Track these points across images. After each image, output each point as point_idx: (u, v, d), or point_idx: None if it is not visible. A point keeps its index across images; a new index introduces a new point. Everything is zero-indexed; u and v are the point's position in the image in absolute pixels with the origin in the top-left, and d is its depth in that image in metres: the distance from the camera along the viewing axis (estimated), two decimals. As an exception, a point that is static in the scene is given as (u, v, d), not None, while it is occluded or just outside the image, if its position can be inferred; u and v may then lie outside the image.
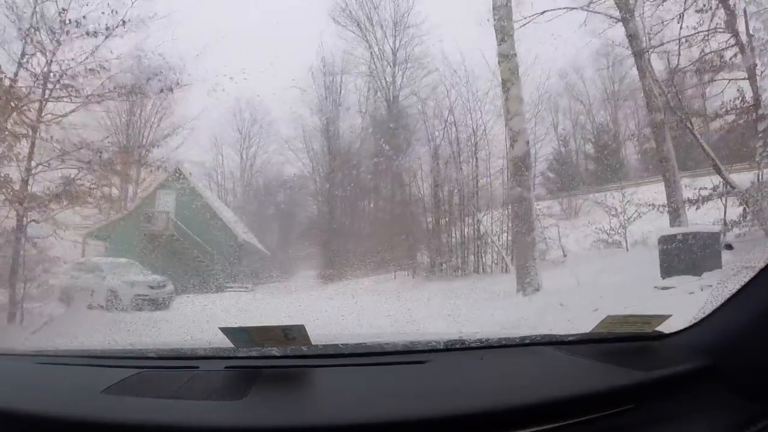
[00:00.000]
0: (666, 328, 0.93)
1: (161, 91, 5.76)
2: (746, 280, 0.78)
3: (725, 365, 0.75)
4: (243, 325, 0.89)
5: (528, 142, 6.43)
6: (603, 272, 5.53)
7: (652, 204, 6.70)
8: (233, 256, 12.43)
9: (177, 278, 9.47)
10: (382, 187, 14.52)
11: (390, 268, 11.25)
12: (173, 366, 0.98)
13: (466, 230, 10.06)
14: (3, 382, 0.94)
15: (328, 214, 15.29)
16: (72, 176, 5.26)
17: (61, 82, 5.15)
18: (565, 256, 8.14)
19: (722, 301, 0.81)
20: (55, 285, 5.47)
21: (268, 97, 15.76)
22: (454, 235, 10.07)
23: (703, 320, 0.85)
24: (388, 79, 14.93)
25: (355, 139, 15.82)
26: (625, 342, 0.93)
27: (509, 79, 6.14)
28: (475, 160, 10.55)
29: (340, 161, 15.23)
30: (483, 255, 9.66)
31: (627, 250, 7.33)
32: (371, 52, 15.00)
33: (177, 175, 12.67)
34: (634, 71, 7.54)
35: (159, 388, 0.82)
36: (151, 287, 7.45)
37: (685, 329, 0.89)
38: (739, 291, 0.79)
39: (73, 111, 5.39)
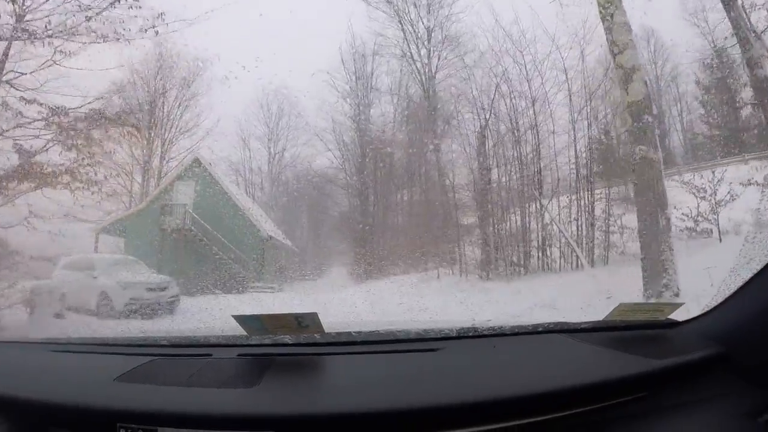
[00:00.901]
0: (678, 316, 1.01)
1: (143, 30, 5.22)
2: (759, 267, 0.86)
3: (737, 353, 0.84)
4: (255, 313, 0.98)
5: (646, 83, 5.52)
6: (720, 268, 4.91)
7: (755, 182, 6.15)
8: (257, 253, 12.62)
9: (194, 278, 9.86)
10: (421, 174, 14.75)
11: (431, 265, 11.16)
12: (186, 354, 1.09)
13: (527, 220, 9.58)
14: (17, 371, 1.06)
15: (362, 207, 15.79)
16: (33, 149, 4.79)
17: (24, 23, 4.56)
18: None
19: (735, 289, 0.90)
20: (18, 286, 5.01)
21: (296, 87, 16.79)
22: (511, 225, 9.72)
23: (715, 308, 0.94)
24: (423, 61, 15.30)
25: (388, 124, 16.31)
26: (637, 330, 1.03)
27: (611, 3, 5.33)
28: (535, 135, 9.94)
29: (373, 149, 15.68)
30: (549, 249, 9.15)
31: (720, 239, 6.74)
32: (404, 32, 15.34)
33: (196, 164, 13.15)
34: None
35: (172, 376, 0.92)
36: (150, 289, 7.21)
37: (698, 317, 0.98)
38: (752, 279, 0.87)
39: (43, 66, 4.83)
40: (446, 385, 0.82)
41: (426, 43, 15.05)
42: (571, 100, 9.43)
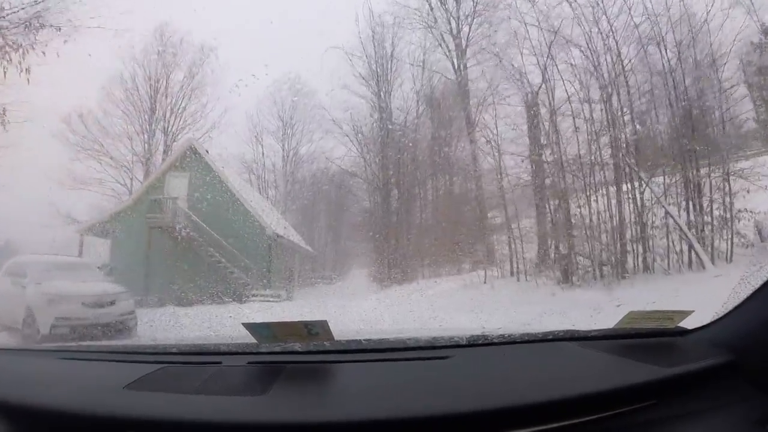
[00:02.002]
0: (688, 323, 1.28)
1: None
2: None
3: (747, 361, 1.07)
4: (265, 321, 1.26)
5: None
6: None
7: None
8: (262, 255, 13.33)
9: (183, 284, 10.46)
10: (454, 159, 16.17)
11: (468, 266, 11.70)
12: (196, 362, 1.38)
13: (615, 203, 9.23)
14: (26, 378, 1.32)
15: (385, 202, 17.48)
16: None
17: None
18: (763, 240, 7.44)
19: (745, 297, 1.13)
20: None
21: (311, 77, 18.94)
22: (592, 212, 9.41)
23: (725, 316, 1.19)
24: (453, 32, 16.71)
25: (412, 106, 18.15)
26: (647, 338, 1.30)
27: None
28: (623, 91, 9.42)
29: (396, 138, 17.30)
30: (649, 243, 8.84)
31: None
32: (429, 3, 17.03)
33: (190, 153, 14.00)
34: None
35: (181, 384, 1.15)
36: (89, 305, 6.84)
37: (708, 325, 1.24)
38: (762, 287, 1.09)
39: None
40: (456, 393, 1.05)
41: (454, 15, 16.46)
42: (663, 45, 9.09)
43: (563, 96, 10.17)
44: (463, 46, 16.02)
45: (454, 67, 16.44)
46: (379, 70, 18.20)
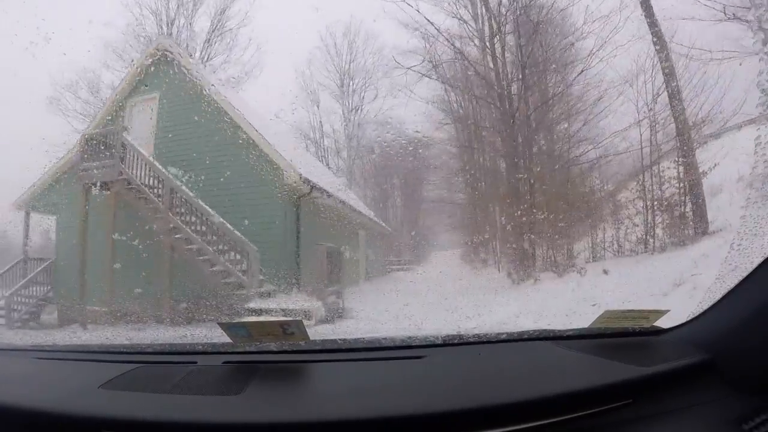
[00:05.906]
0: (664, 323, 1.86)
1: None
2: (744, 275, 1.60)
3: (724, 360, 1.56)
4: (241, 321, 1.89)
5: None
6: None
7: None
8: (278, 227, 11.70)
9: (135, 288, 10.19)
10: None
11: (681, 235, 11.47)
12: (171, 361, 2.01)
13: None
14: (0, 378, 1.89)
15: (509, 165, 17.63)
16: None
17: None
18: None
19: (720, 296, 1.67)
20: None
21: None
22: None
23: (701, 315, 1.75)
24: None
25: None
26: (623, 337, 1.89)
27: None
28: None
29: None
30: None
31: None
32: None
33: (161, 62, 12.76)
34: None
35: (157, 383, 1.67)
36: None
37: (684, 324, 1.81)
38: (737, 286, 1.63)
39: None
40: (431, 393, 1.52)
41: None
42: None
43: None
44: None
45: None
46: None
